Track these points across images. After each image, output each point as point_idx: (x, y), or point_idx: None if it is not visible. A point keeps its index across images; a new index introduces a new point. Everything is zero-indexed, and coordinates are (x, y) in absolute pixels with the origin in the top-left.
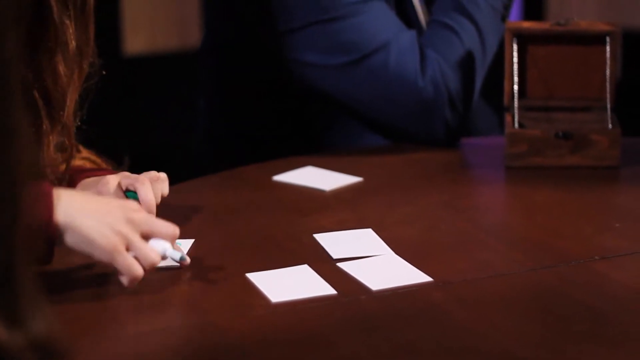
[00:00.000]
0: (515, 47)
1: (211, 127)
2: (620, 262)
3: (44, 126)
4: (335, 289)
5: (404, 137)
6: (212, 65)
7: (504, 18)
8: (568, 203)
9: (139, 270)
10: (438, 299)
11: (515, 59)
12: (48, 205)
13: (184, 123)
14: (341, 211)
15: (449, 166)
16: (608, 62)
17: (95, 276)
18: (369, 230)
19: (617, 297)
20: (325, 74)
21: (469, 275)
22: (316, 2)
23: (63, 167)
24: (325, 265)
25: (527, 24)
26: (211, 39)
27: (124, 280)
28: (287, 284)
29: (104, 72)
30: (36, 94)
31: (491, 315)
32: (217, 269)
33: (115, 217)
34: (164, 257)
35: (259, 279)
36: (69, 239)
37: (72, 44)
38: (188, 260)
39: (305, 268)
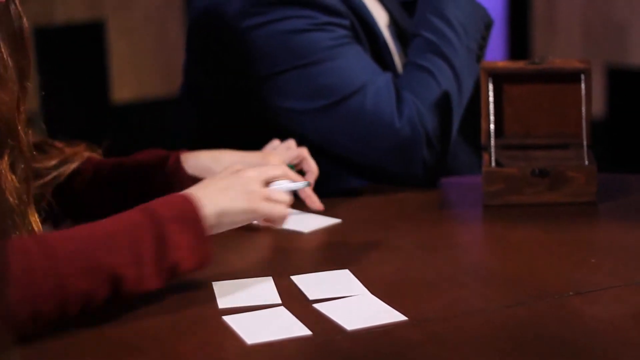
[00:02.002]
0: (490, 86)
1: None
2: (595, 297)
3: None
4: (311, 330)
5: (382, 178)
6: (190, 113)
7: (479, 58)
8: (545, 240)
9: (283, 210)
10: (413, 338)
11: (491, 98)
12: (194, 205)
13: None
14: (319, 252)
15: (427, 206)
16: (583, 99)
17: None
18: (346, 271)
19: (592, 332)
20: (303, 118)
21: (444, 313)
22: (292, 48)
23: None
24: (302, 306)
25: (502, 64)
26: (189, 87)
27: (277, 224)
28: (262, 325)
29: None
30: None
31: (467, 352)
32: (191, 310)
33: (240, 184)
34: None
35: (234, 320)
36: (220, 223)
37: (11, 72)
38: (310, 183)
39: (281, 309)
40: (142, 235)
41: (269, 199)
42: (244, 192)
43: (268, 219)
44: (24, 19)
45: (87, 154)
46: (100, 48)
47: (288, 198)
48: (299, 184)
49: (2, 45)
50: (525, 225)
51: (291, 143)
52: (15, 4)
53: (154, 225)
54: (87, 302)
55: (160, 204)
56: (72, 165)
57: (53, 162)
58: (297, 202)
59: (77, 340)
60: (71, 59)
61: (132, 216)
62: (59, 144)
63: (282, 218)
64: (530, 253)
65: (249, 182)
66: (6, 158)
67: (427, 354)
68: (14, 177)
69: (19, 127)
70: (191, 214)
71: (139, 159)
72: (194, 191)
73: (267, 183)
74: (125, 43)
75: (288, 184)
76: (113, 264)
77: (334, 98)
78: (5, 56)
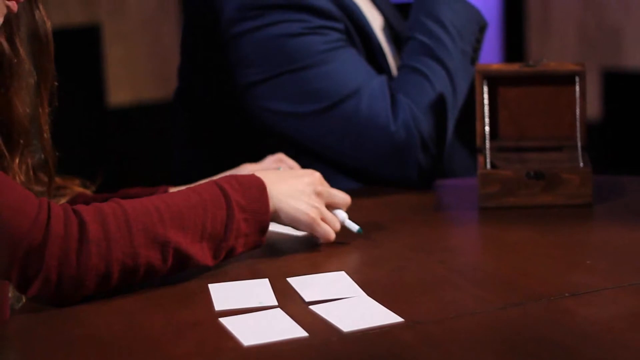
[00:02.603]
0: (485, 88)
1: (186, 176)
2: (590, 299)
3: (4, 157)
4: (307, 331)
5: (376, 181)
6: (184, 116)
7: (473, 61)
8: (540, 241)
9: (332, 234)
10: (408, 339)
11: (486, 101)
12: (265, 198)
13: (165, 171)
14: (315, 254)
15: (422, 208)
16: (578, 101)
17: (60, 318)
18: (342, 273)
19: (587, 333)
20: (298, 122)
21: (440, 315)
22: (287, 51)
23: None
24: (298, 308)
25: (496, 66)
26: (183, 90)
27: (320, 241)
28: (259, 327)
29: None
30: None
31: (461, 354)
32: (187, 312)
33: (309, 194)
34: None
35: (230, 322)
36: (278, 220)
37: (29, 75)
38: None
39: (277, 311)
40: (217, 216)
41: (325, 220)
42: (311, 205)
43: (315, 235)
44: (48, 23)
45: (78, 189)
46: (95, 52)
47: (338, 227)
48: (353, 224)
49: (21, 47)
50: (520, 227)
51: (281, 156)
52: (39, 8)
53: (226, 209)
54: (153, 272)
55: (235, 189)
56: (61, 200)
57: (39, 189)
58: None
59: (71, 341)
60: (67, 63)
61: (208, 193)
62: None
63: (327, 241)
64: (525, 255)
65: (316, 195)
66: (17, 160)
67: (423, 355)
68: (33, 185)
69: (44, 127)
70: (260, 207)
71: (129, 193)
72: (266, 181)
73: (329, 205)
74: (120, 47)
75: (346, 219)
76: (180, 242)
77: (329, 101)
78: (23, 56)
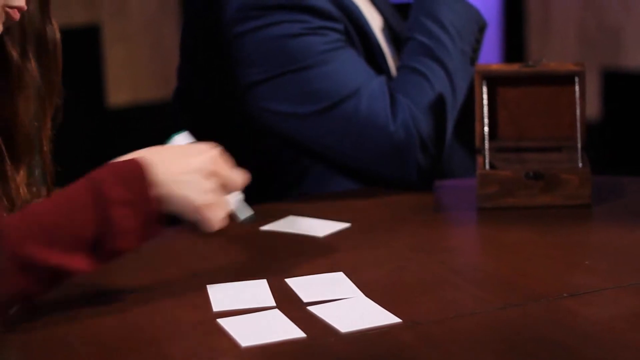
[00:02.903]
0: (485, 89)
1: None
2: (589, 299)
3: (7, 168)
4: (305, 332)
5: (376, 182)
6: (184, 116)
7: (472, 61)
8: (539, 242)
9: (218, 223)
10: (407, 340)
11: (485, 101)
12: (146, 187)
13: None
14: (313, 255)
15: (421, 208)
16: (577, 101)
17: (59, 319)
18: (340, 274)
19: (587, 334)
20: (297, 123)
21: (438, 316)
22: (286, 52)
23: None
24: (296, 309)
25: (496, 66)
26: (182, 91)
27: (206, 227)
28: (257, 328)
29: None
30: None
31: (461, 354)
32: (185, 313)
33: (201, 176)
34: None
35: (228, 323)
36: (168, 207)
37: (35, 86)
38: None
39: (275, 312)
40: (84, 222)
41: (216, 205)
42: (202, 189)
43: (201, 222)
44: (58, 35)
45: None
46: (96, 53)
47: (226, 211)
48: (245, 211)
49: (32, 58)
50: (520, 227)
51: None
52: (51, 22)
53: (99, 210)
54: (29, 296)
55: (110, 181)
56: None
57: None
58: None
59: (71, 341)
60: (67, 63)
61: (76, 196)
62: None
63: (210, 229)
64: (524, 255)
65: (211, 175)
66: (22, 173)
67: (421, 356)
68: (28, 195)
69: (44, 141)
70: (142, 197)
71: None
72: (151, 162)
73: (223, 185)
74: (121, 48)
75: (240, 199)
76: (49, 258)
77: (328, 102)
78: (33, 67)
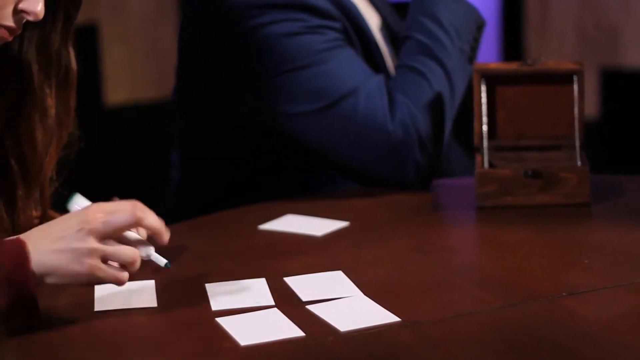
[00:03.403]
0: (483, 88)
1: (183, 180)
2: (588, 298)
3: (19, 192)
4: (304, 331)
5: (375, 181)
6: (182, 116)
7: (471, 59)
8: (538, 241)
9: (123, 276)
10: (406, 339)
11: (483, 100)
12: (23, 264)
13: (162, 173)
14: (312, 254)
15: (420, 208)
16: (576, 100)
17: (58, 319)
18: (339, 273)
19: (585, 333)
20: (295, 121)
21: (437, 315)
22: (284, 51)
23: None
24: (295, 308)
25: (494, 65)
26: (181, 91)
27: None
28: (255, 327)
29: (82, 144)
30: (12, 161)
31: (459, 354)
32: (184, 312)
33: (79, 238)
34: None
35: (227, 322)
36: (50, 280)
37: (52, 112)
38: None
39: (274, 311)
40: None
41: (111, 258)
42: (79, 252)
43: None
44: (75, 65)
45: None
46: (94, 52)
47: (135, 257)
48: (162, 261)
49: (53, 85)
50: (518, 226)
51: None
52: (68, 50)
53: None
54: None
55: None
56: None
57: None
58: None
59: (68, 341)
60: None
61: None
62: (53, 214)
63: (121, 284)
64: (523, 254)
65: (89, 234)
66: (30, 199)
67: (420, 355)
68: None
69: (46, 172)
70: (19, 278)
71: None
72: (28, 240)
73: (117, 237)
74: (119, 47)
75: (153, 253)
76: None
77: (327, 101)
78: (53, 95)
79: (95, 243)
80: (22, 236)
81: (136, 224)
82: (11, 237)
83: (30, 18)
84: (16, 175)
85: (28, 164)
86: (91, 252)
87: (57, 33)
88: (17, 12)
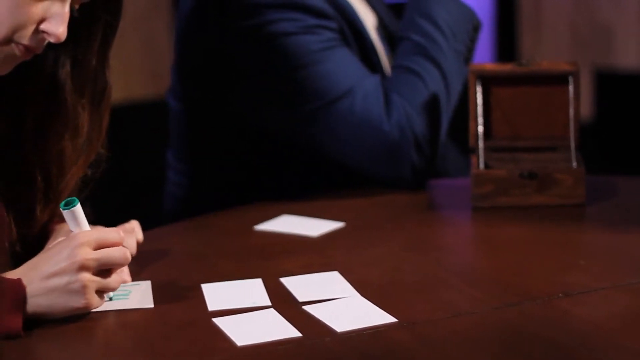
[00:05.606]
0: (479, 88)
1: (179, 180)
2: (584, 299)
3: (39, 206)
4: (300, 332)
5: (370, 181)
6: (180, 116)
7: (467, 60)
8: (533, 242)
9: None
10: (402, 340)
11: (479, 101)
12: (17, 309)
13: (158, 170)
14: (308, 254)
15: (415, 208)
16: (571, 101)
17: (61, 320)
18: (335, 273)
19: (581, 333)
20: (291, 122)
21: (433, 315)
22: (281, 51)
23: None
24: (291, 308)
25: (490, 66)
26: (177, 90)
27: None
28: (252, 327)
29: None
30: (38, 174)
31: (455, 354)
32: (181, 312)
33: (69, 274)
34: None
35: (224, 322)
36: (46, 317)
37: (84, 131)
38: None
39: (270, 311)
40: None
41: (107, 288)
42: (76, 292)
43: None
44: (110, 83)
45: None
46: None
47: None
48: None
49: (87, 106)
50: (514, 227)
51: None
52: (104, 69)
53: None
54: None
55: None
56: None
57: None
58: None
59: (63, 341)
60: None
61: None
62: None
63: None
64: (519, 255)
65: (81, 270)
66: (46, 214)
67: (417, 355)
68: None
69: (68, 189)
70: (13, 326)
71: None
72: (23, 278)
73: (105, 268)
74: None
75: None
76: None
77: (323, 101)
78: (84, 118)
79: (87, 279)
80: (14, 274)
81: (126, 261)
82: (11, 278)
83: (52, 40)
84: (39, 191)
85: (52, 181)
86: (85, 289)
87: (94, 51)
88: (38, 32)
